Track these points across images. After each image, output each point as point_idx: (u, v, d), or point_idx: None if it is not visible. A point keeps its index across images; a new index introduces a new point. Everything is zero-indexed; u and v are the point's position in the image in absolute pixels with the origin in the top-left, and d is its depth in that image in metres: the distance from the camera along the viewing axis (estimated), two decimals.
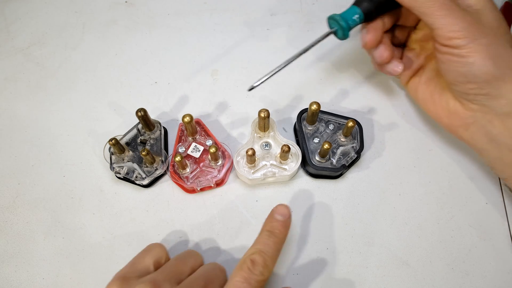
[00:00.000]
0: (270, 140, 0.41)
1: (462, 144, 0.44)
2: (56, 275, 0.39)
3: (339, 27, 0.37)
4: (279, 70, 0.37)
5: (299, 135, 0.42)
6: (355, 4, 0.37)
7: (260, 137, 0.41)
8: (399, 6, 0.36)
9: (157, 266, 0.33)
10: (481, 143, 0.38)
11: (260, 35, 0.51)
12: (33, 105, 0.47)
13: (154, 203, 0.42)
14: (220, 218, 0.41)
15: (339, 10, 0.51)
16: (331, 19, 0.37)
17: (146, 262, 0.33)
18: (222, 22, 0.51)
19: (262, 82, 0.37)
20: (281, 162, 0.40)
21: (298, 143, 0.43)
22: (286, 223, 0.33)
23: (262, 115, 0.37)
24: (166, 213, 0.41)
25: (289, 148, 0.37)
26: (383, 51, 0.39)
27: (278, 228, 0.33)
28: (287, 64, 0.38)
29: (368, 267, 0.39)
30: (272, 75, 0.37)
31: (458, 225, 0.41)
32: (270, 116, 0.39)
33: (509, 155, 0.36)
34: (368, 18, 0.37)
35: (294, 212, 0.41)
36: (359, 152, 0.40)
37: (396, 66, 0.40)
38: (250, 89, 0.37)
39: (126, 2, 0.53)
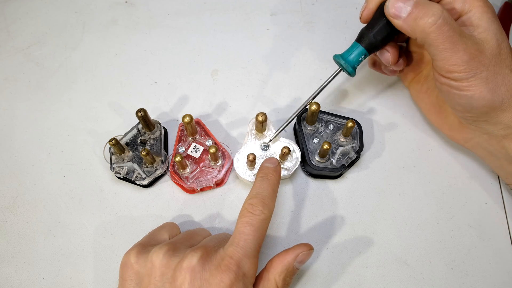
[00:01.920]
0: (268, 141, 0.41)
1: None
2: (56, 275, 0.39)
3: (344, 69, 0.38)
4: (292, 120, 0.40)
5: (299, 135, 0.42)
6: (357, 40, 0.37)
7: (258, 138, 0.41)
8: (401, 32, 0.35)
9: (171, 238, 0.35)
10: (481, 154, 0.40)
11: (260, 35, 0.51)
12: (33, 105, 0.47)
13: (154, 203, 0.42)
14: (220, 218, 0.41)
15: (338, 10, 0.52)
16: (336, 60, 0.38)
17: (162, 234, 0.35)
18: (222, 22, 0.51)
19: (276, 135, 0.40)
20: (281, 161, 0.40)
21: (298, 143, 0.43)
22: (277, 168, 0.35)
23: (260, 119, 0.37)
24: (166, 213, 0.41)
25: (289, 150, 0.37)
26: (388, 56, 0.38)
27: (270, 172, 0.34)
28: (300, 110, 0.40)
29: (368, 267, 0.39)
30: (285, 126, 0.40)
31: (458, 225, 0.41)
32: (267, 116, 0.39)
33: (509, 166, 0.38)
34: (373, 51, 0.37)
35: (294, 212, 0.41)
36: (358, 152, 0.40)
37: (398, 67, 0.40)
38: (267, 144, 0.40)
39: (126, 2, 0.53)
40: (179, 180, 0.40)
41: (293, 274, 0.32)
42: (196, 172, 0.41)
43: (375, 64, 0.43)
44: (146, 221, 0.41)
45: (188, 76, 0.48)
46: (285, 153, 0.37)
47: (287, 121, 0.40)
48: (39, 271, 0.39)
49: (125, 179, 0.41)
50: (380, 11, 0.35)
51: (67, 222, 0.41)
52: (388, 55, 0.38)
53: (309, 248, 0.32)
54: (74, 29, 0.51)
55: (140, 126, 0.42)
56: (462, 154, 0.44)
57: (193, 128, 0.40)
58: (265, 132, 0.41)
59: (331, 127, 0.42)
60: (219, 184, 0.42)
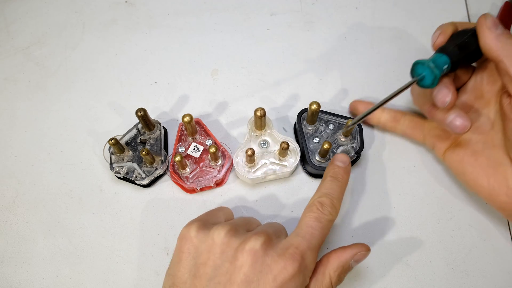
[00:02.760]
0: (267, 138, 0.41)
1: None
2: (56, 275, 0.39)
3: (430, 74, 0.32)
4: (370, 113, 0.35)
5: (299, 134, 0.42)
6: (441, 51, 0.33)
7: (257, 135, 0.41)
8: (480, 57, 0.33)
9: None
10: None
11: (260, 35, 0.51)
12: (33, 105, 0.47)
13: (154, 203, 0.42)
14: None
15: (338, 10, 0.52)
16: (421, 64, 0.33)
17: (219, 216, 0.35)
18: (222, 22, 0.51)
19: (357, 122, 0.37)
20: (280, 159, 0.40)
21: (298, 142, 0.43)
22: (347, 169, 0.35)
23: (258, 114, 0.37)
24: (166, 213, 0.41)
25: (288, 145, 0.37)
26: (447, 93, 0.34)
27: (340, 173, 0.34)
28: (375, 109, 0.35)
29: (368, 267, 0.39)
30: (364, 116, 0.36)
31: (458, 225, 0.41)
32: (266, 114, 0.39)
33: None
34: (453, 68, 0.33)
35: (295, 212, 0.41)
36: (359, 152, 0.40)
37: (461, 118, 0.34)
38: (266, 141, 0.40)
39: (126, 2, 0.53)
40: (179, 180, 0.40)
41: (348, 272, 0.32)
42: (196, 172, 0.41)
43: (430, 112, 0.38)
44: (146, 221, 0.41)
45: (188, 76, 0.48)
46: (284, 148, 0.37)
47: (360, 117, 0.36)
48: (39, 271, 0.39)
49: (125, 179, 0.41)
50: (461, 35, 0.34)
51: (67, 222, 0.41)
52: (445, 91, 0.33)
53: (367, 248, 0.33)
54: (74, 29, 0.51)
55: (140, 125, 0.42)
56: None
57: (193, 127, 0.40)
58: (264, 130, 0.41)
59: (331, 126, 0.42)
60: (219, 184, 0.42)
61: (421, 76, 0.33)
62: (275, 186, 0.42)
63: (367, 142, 0.44)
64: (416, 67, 0.34)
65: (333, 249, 0.33)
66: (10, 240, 0.40)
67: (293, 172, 0.42)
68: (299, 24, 0.51)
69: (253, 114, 0.39)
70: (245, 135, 0.42)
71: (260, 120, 0.39)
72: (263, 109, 0.38)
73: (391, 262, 0.39)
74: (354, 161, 0.40)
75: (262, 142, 0.41)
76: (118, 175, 0.40)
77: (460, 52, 0.33)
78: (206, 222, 0.33)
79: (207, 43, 0.50)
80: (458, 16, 0.51)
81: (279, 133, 0.41)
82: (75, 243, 0.40)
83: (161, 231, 0.41)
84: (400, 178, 0.43)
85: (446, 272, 0.39)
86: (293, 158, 0.40)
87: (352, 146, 0.41)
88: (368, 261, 0.39)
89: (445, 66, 0.33)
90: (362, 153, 0.42)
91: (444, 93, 0.33)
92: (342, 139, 0.41)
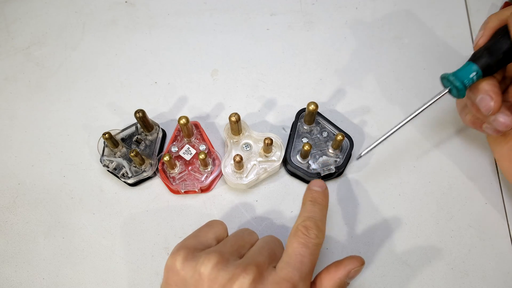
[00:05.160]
0: (247, 141, 0.41)
1: (462, 145, 0.44)
2: (56, 275, 0.39)
3: (453, 87, 0.34)
4: (390, 135, 0.36)
5: (292, 130, 0.42)
6: (471, 59, 0.33)
7: (236, 141, 0.41)
8: None
9: (218, 242, 0.33)
10: None
11: (260, 35, 0.51)
12: (33, 105, 0.47)
13: (154, 203, 0.42)
14: (220, 218, 0.41)
15: (338, 10, 0.52)
16: (444, 79, 0.34)
17: (209, 236, 0.33)
18: (222, 22, 0.51)
19: (370, 150, 0.37)
20: (266, 156, 0.40)
21: (290, 136, 0.42)
22: (325, 193, 0.34)
23: (233, 119, 0.37)
24: (166, 213, 0.41)
25: (271, 140, 0.37)
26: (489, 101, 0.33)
27: (320, 197, 0.33)
28: (398, 128, 0.36)
29: (368, 267, 0.39)
30: (382, 140, 0.36)
31: (458, 225, 0.41)
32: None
33: None
34: (487, 73, 0.33)
35: (293, 213, 0.41)
36: (339, 168, 0.40)
37: (503, 118, 0.34)
38: (358, 158, 0.37)
39: (126, 2, 0.53)
40: (165, 179, 0.40)
41: None
42: (184, 174, 0.41)
43: (475, 122, 0.39)
44: (146, 221, 0.41)
45: (188, 76, 0.48)
46: (268, 144, 0.37)
47: (377, 142, 0.37)
48: (39, 271, 0.39)
49: (113, 173, 0.41)
50: (496, 35, 0.33)
51: (67, 222, 0.41)
52: (487, 99, 0.33)
53: (361, 263, 0.31)
54: (74, 29, 0.51)
55: (139, 125, 0.42)
56: (462, 154, 0.44)
57: (189, 130, 0.40)
58: (242, 134, 0.41)
59: (325, 134, 0.41)
60: (204, 190, 0.42)
61: (448, 89, 0.34)
62: (272, 183, 0.43)
63: (367, 142, 0.44)
64: (442, 81, 0.35)
65: (328, 264, 0.32)
66: (11, 240, 0.40)
67: (281, 166, 0.42)
68: (299, 24, 0.51)
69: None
70: (224, 145, 0.42)
71: (236, 125, 0.38)
72: (237, 114, 0.37)
73: (391, 262, 0.39)
74: (331, 175, 0.40)
75: (244, 146, 0.41)
76: (107, 168, 0.40)
77: (491, 56, 0.32)
78: (194, 249, 0.31)
79: (207, 43, 0.50)
80: (458, 16, 0.51)
81: (257, 132, 0.41)
82: (75, 243, 0.40)
83: (161, 231, 0.41)
84: (400, 178, 0.43)
85: (445, 272, 0.39)
86: (279, 151, 0.40)
87: (335, 160, 0.40)
88: (368, 261, 0.39)
89: (473, 75, 0.33)
90: (361, 153, 0.42)
91: (486, 101, 0.33)
92: (331, 151, 0.41)
